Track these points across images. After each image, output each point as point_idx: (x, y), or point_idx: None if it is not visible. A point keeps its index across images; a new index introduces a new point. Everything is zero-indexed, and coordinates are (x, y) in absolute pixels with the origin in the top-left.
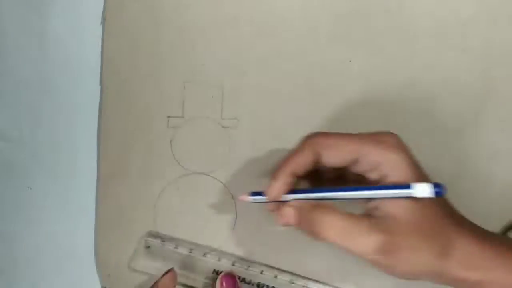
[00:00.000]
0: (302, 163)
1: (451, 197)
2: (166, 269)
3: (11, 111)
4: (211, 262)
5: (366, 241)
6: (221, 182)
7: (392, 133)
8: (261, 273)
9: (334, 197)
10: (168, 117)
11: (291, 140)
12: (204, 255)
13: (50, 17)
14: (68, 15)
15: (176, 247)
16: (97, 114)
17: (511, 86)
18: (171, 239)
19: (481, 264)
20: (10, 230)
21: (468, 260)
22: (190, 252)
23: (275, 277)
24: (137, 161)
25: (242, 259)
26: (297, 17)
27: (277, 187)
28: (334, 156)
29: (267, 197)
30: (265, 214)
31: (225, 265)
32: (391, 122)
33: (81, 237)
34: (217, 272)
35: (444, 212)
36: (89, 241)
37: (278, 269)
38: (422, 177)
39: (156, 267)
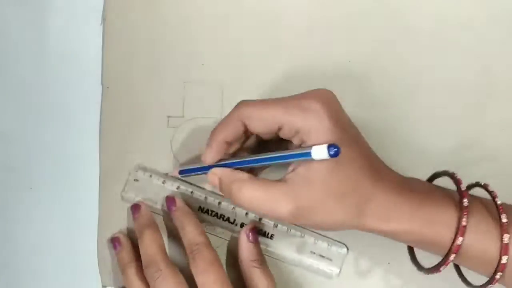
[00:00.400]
0: (231, 132)
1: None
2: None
3: (11, 111)
4: (198, 199)
5: (279, 209)
6: None
7: (318, 95)
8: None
9: (251, 166)
10: (168, 117)
11: None
12: (192, 192)
13: (50, 17)
14: (68, 15)
15: (164, 183)
16: (98, 113)
17: (510, 85)
18: (159, 174)
19: (396, 216)
20: (11, 229)
21: (383, 213)
22: (177, 189)
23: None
24: (137, 160)
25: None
26: (297, 17)
27: (211, 153)
28: (258, 125)
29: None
30: None
31: (212, 202)
32: (391, 122)
33: (82, 236)
34: (202, 209)
35: (362, 170)
36: (90, 240)
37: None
38: (333, 138)
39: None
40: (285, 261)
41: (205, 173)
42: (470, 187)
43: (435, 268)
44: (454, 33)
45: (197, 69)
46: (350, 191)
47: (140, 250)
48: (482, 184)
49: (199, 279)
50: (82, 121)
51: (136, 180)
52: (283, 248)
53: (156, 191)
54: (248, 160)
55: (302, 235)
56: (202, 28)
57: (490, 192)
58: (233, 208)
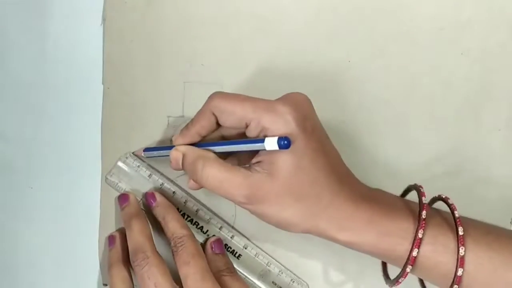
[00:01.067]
0: (205, 125)
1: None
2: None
3: (11, 111)
4: (179, 201)
5: (236, 192)
6: None
7: (290, 99)
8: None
9: (213, 150)
10: (168, 117)
11: None
12: (174, 193)
13: (51, 17)
14: (69, 15)
15: (149, 176)
16: (98, 113)
17: (508, 86)
18: (146, 167)
19: (350, 226)
20: (11, 229)
21: (337, 222)
22: (160, 186)
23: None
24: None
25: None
26: (297, 17)
27: (181, 140)
28: (228, 119)
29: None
30: None
31: (190, 208)
32: (391, 122)
33: (82, 235)
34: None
35: (325, 176)
36: (91, 240)
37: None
38: (305, 145)
39: (124, 187)
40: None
41: (165, 154)
42: (434, 200)
43: (396, 280)
44: (454, 35)
45: (197, 69)
46: (308, 194)
47: (128, 239)
48: (444, 197)
49: (182, 270)
50: (83, 121)
51: (125, 164)
52: (247, 270)
53: (140, 183)
54: (209, 144)
55: (269, 264)
56: (202, 28)
57: (449, 205)
58: (209, 218)
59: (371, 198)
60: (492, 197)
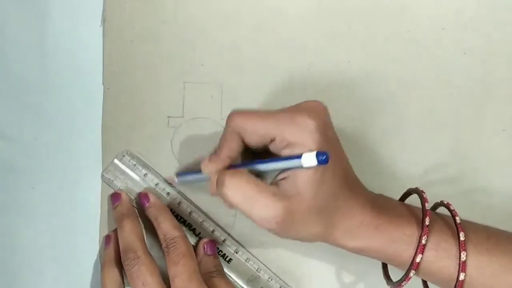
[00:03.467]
0: (232, 147)
1: (453, 196)
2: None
3: (11, 111)
4: (172, 203)
5: (265, 209)
6: None
7: (309, 108)
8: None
9: (245, 168)
10: (168, 117)
11: None
12: (168, 194)
13: (51, 17)
14: (69, 16)
15: (145, 175)
16: (98, 114)
17: (511, 86)
18: (143, 165)
19: (361, 233)
20: (12, 229)
21: (350, 230)
22: (155, 186)
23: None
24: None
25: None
26: (297, 18)
27: (212, 168)
28: (252, 138)
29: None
30: None
31: (184, 210)
32: (391, 122)
33: (83, 236)
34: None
35: (341, 184)
36: (91, 240)
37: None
38: (320, 147)
39: (119, 185)
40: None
41: (203, 179)
42: (436, 206)
43: (399, 283)
44: (456, 34)
45: (197, 69)
46: (330, 206)
47: (119, 238)
48: (446, 203)
49: (171, 270)
50: (83, 121)
51: (121, 161)
52: (236, 274)
53: (135, 181)
54: (242, 164)
55: (258, 269)
56: (202, 29)
57: (451, 211)
58: (202, 221)
59: (377, 205)
60: (496, 197)
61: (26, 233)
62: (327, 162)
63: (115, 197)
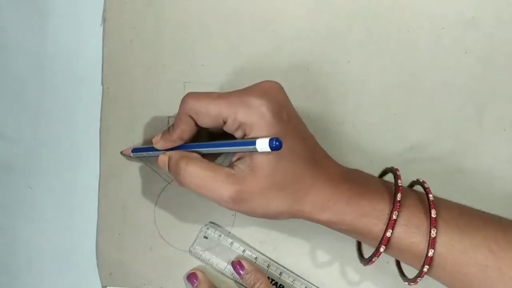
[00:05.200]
0: (185, 129)
1: (453, 194)
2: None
3: (11, 111)
4: (260, 266)
5: (220, 190)
6: None
7: (262, 89)
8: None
9: (200, 151)
10: (168, 117)
11: None
12: (256, 258)
13: (51, 18)
14: (69, 16)
15: (231, 244)
16: (98, 114)
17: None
18: (227, 235)
19: (331, 206)
20: (11, 229)
21: (319, 204)
22: (243, 252)
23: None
24: (137, 160)
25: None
26: (296, 17)
27: (163, 145)
28: (204, 120)
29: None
30: None
31: (273, 272)
32: (391, 122)
33: (82, 236)
34: None
35: (304, 162)
36: (90, 240)
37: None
38: (272, 132)
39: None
40: None
41: (156, 155)
42: (412, 184)
43: (370, 260)
44: (456, 34)
45: (197, 70)
46: (290, 183)
47: None
48: (421, 181)
49: None
50: (83, 121)
51: (206, 237)
52: None
53: (222, 252)
54: (196, 145)
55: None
56: (202, 28)
57: (425, 188)
58: (293, 280)
59: (349, 179)
60: (496, 197)
61: (25, 233)
62: (280, 148)
63: (192, 277)
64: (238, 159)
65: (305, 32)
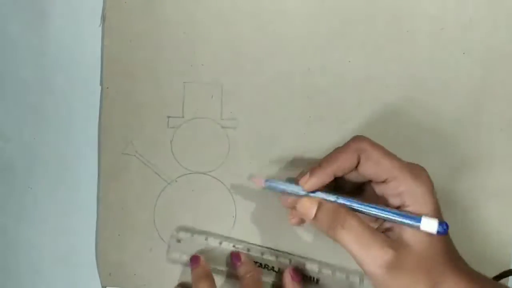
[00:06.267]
0: (345, 166)
1: (451, 195)
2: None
3: (11, 111)
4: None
5: (377, 252)
6: (221, 182)
7: (422, 167)
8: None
9: (355, 208)
10: (168, 117)
11: (290, 140)
12: (233, 247)
13: (50, 17)
14: (68, 15)
15: (206, 239)
16: (97, 114)
17: (510, 86)
18: (199, 232)
19: None
20: (11, 229)
21: None
22: (220, 244)
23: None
24: (137, 161)
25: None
26: (297, 17)
27: (312, 182)
28: (371, 169)
29: (291, 189)
30: (263, 213)
31: (258, 252)
32: (391, 122)
33: (81, 236)
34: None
35: (446, 249)
36: (90, 240)
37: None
38: (436, 215)
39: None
40: None
41: (291, 194)
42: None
43: None
44: (455, 35)
45: (197, 69)
46: (434, 268)
47: None
48: None
49: None
50: (83, 121)
51: (179, 241)
52: None
53: (199, 249)
54: (347, 198)
55: (347, 276)
56: (202, 28)
57: None
58: (276, 257)
59: (476, 276)
60: (495, 197)
61: (25, 233)
62: (446, 233)
63: (194, 260)
64: (388, 229)
65: (305, 32)
